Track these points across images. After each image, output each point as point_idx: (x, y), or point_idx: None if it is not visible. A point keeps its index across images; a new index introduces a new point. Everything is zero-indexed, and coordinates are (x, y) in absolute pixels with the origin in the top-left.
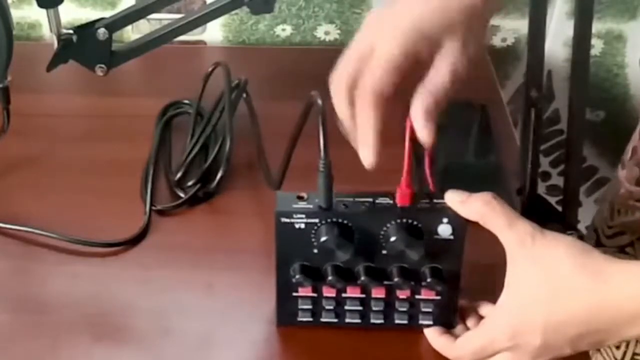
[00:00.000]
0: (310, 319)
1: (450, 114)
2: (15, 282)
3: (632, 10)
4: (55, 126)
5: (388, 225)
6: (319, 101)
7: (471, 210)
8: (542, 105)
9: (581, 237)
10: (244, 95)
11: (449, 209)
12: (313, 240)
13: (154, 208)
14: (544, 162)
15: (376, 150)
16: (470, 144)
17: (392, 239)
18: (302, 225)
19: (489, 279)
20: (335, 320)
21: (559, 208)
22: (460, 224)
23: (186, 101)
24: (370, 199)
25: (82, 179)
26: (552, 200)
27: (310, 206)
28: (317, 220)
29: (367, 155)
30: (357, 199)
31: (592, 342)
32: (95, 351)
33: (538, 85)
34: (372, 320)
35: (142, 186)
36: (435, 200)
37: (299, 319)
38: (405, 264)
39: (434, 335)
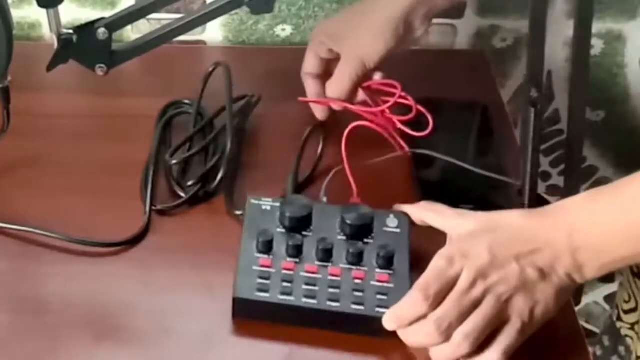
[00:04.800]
0: (267, 295)
1: (451, 114)
2: (14, 282)
3: (632, 10)
4: (55, 126)
5: (344, 213)
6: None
7: (414, 217)
8: (542, 105)
9: None
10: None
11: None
12: (277, 220)
13: (153, 208)
14: (544, 162)
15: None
16: (471, 144)
17: (348, 221)
18: (268, 207)
19: None
20: (292, 298)
21: None
22: (404, 218)
23: (186, 101)
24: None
25: (82, 178)
26: (552, 200)
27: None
28: (279, 204)
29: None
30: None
31: (538, 260)
32: (95, 351)
33: (538, 85)
34: (328, 303)
35: (142, 186)
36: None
37: (257, 294)
38: (359, 249)
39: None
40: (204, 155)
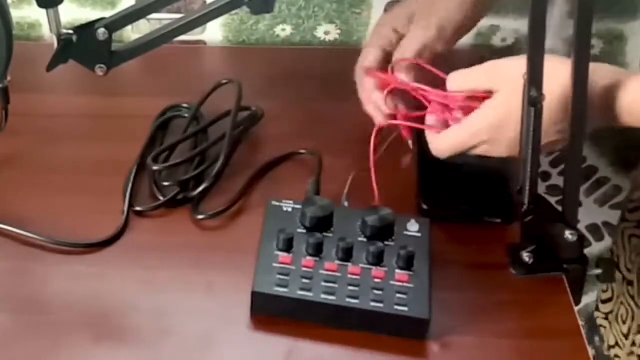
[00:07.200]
0: (286, 290)
1: None
2: (12, 282)
3: (632, 10)
4: (55, 126)
5: (366, 215)
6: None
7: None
8: (542, 105)
9: (581, 237)
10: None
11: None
12: (298, 221)
13: (132, 209)
14: (544, 162)
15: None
16: None
17: (369, 223)
18: (290, 209)
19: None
20: (311, 294)
21: (559, 208)
22: (425, 223)
23: (185, 105)
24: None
25: (82, 179)
26: (552, 200)
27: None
28: (301, 206)
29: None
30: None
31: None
32: (95, 351)
33: (538, 85)
34: (347, 300)
35: (124, 186)
36: None
37: (275, 289)
38: (380, 249)
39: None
40: (192, 159)
